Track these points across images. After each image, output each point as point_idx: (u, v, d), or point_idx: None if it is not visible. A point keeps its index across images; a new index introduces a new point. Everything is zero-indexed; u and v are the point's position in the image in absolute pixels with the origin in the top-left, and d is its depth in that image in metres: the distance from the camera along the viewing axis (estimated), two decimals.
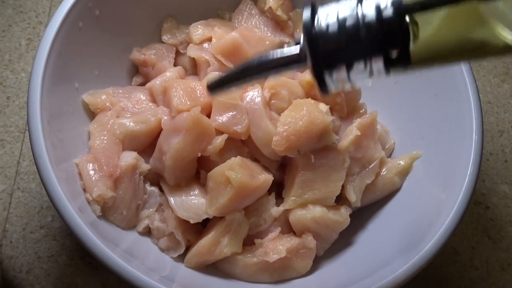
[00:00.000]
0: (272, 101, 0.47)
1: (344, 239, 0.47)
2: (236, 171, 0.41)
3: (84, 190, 0.41)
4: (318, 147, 0.45)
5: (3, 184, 0.52)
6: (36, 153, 0.36)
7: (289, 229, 0.46)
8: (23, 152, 0.53)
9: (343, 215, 0.45)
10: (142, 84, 0.51)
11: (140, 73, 0.52)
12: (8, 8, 0.61)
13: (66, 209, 0.35)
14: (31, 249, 0.49)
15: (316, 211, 0.44)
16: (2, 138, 0.54)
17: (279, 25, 0.54)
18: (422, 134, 0.48)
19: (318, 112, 0.44)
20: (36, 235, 0.50)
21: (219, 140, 0.43)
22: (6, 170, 0.52)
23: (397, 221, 0.46)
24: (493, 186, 0.58)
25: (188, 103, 0.44)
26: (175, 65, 0.53)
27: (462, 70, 0.44)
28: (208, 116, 0.45)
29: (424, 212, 0.43)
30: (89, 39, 0.45)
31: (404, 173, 0.48)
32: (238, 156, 0.44)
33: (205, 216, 0.43)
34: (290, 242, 0.44)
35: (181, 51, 0.53)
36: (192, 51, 0.51)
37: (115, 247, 0.38)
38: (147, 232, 0.45)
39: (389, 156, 0.51)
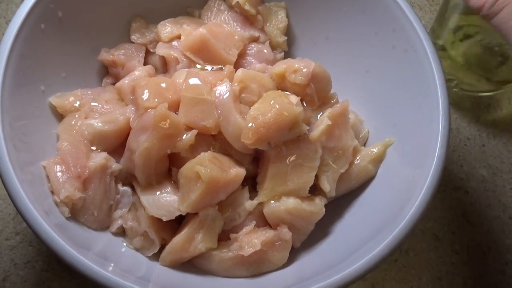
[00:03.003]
0: (242, 95, 0.46)
1: (321, 230, 0.47)
2: (206, 165, 0.41)
3: (52, 192, 0.40)
4: (289, 139, 0.45)
5: None
6: None
7: (264, 222, 0.45)
8: None
9: (317, 206, 0.45)
10: (113, 84, 0.51)
11: (110, 74, 0.52)
12: None
13: (29, 212, 0.35)
14: (7, 256, 0.49)
15: (289, 203, 0.44)
16: None
17: (248, 19, 0.54)
18: (394, 121, 0.48)
19: (287, 103, 0.44)
20: (12, 242, 0.49)
21: (189, 136, 0.43)
22: None
23: (373, 209, 0.46)
24: (471, 171, 0.59)
25: (155, 100, 0.44)
26: (145, 64, 0.53)
27: (428, 56, 0.44)
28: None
29: (397, 197, 0.43)
30: (53, 41, 0.45)
31: (378, 160, 0.48)
32: (209, 151, 0.43)
33: (177, 213, 0.42)
34: (265, 235, 0.44)
35: (151, 50, 0.53)
36: (161, 49, 0.51)
37: (86, 250, 0.37)
38: (121, 232, 0.45)
39: (364, 144, 0.51)
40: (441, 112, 0.41)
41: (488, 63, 0.56)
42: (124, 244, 0.44)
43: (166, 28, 0.52)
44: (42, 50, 0.44)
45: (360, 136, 0.51)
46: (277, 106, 0.43)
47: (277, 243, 0.44)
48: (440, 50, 0.57)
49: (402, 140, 0.47)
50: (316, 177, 0.45)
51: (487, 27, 0.51)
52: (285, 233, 0.44)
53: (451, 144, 0.59)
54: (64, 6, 0.45)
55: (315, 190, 0.47)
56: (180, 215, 0.43)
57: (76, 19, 0.47)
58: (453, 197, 0.57)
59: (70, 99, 0.46)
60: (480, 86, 0.59)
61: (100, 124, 0.44)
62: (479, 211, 0.57)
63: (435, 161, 0.40)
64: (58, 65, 0.46)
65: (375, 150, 0.48)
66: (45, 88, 0.45)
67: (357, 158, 0.48)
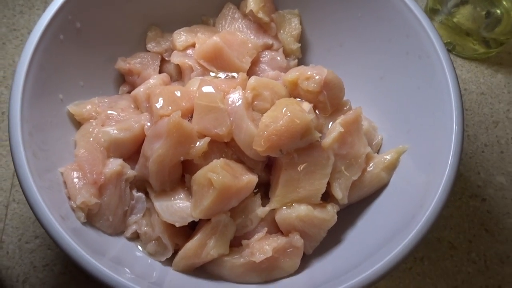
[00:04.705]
0: (255, 102, 0.47)
1: (333, 237, 0.46)
2: (218, 172, 0.42)
3: (69, 198, 0.42)
4: (301, 146, 0.45)
5: None
6: (17, 163, 0.37)
7: (276, 229, 0.46)
8: None
9: (329, 213, 0.45)
10: (129, 92, 0.52)
11: (126, 82, 0.53)
12: (1, 26, 0.63)
13: (46, 218, 0.36)
14: (27, 259, 0.50)
15: (301, 210, 0.44)
16: None
17: (262, 27, 0.55)
18: (408, 128, 0.48)
19: (299, 110, 0.44)
20: (31, 245, 0.51)
21: (202, 143, 0.44)
22: (1, 182, 0.54)
23: (386, 216, 0.45)
24: (489, 178, 0.57)
25: (169, 108, 0.45)
26: (161, 72, 0.54)
27: (442, 63, 0.44)
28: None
29: (410, 204, 0.42)
30: (72, 51, 0.46)
31: (391, 167, 0.47)
32: (221, 158, 0.44)
33: (190, 219, 0.43)
34: (276, 241, 0.44)
35: (167, 59, 0.54)
36: (175, 58, 0.52)
37: (101, 255, 0.38)
38: (136, 237, 0.46)
39: (377, 151, 0.51)
40: (454, 119, 0.41)
41: (487, 27, 0.61)
42: (140, 248, 0.45)
43: (181, 37, 0.53)
44: (60, 60, 0.45)
45: (374, 143, 0.50)
46: (289, 114, 0.43)
47: (288, 250, 0.44)
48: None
49: (415, 147, 0.47)
50: (329, 184, 0.45)
51: None
52: (297, 240, 0.44)
53: (468, 151, 0.59)
54: (82, 18, 0.46)
55: (327, 197, 0.47)
56: (193, 221, 0.44)
57: (93, 29, 0.48)
58: (470, 205, 0.56)
59: (88, 107, 0.47)
60: (479, 49, 0.62)
61: (115, 131, 0.45)
62: (496, 219, 0.55)
63: (448, 169, 0.39)
64: (76, 74, 0.48)
65: (388, 157, 0.47)
66: (64, 96, 0.46)
67: (370, 165, 0.48)
